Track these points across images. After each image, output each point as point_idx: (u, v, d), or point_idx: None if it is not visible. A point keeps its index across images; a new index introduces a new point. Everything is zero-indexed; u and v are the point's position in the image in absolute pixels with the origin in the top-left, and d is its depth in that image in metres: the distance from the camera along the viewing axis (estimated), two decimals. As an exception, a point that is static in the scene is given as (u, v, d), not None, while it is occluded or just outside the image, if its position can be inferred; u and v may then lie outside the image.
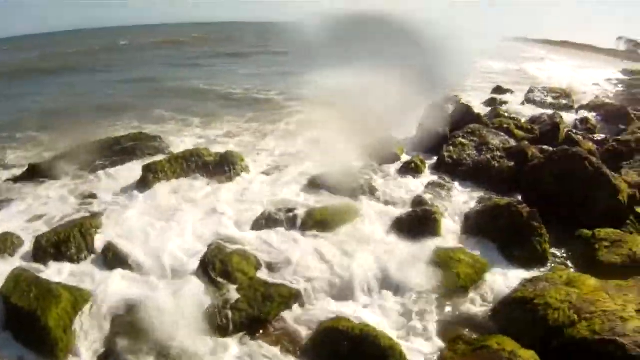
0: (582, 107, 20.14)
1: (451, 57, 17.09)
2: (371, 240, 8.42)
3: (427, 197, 9.82)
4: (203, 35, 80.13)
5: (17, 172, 12.63)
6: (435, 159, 12.21)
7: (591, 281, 6.53)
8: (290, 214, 8.91)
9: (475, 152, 11.68)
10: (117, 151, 12.47)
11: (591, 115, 17.96)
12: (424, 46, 16.62)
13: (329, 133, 12.64)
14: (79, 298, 6.91)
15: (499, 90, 25.29)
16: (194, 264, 7.64)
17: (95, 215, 9.24)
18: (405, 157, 12.45)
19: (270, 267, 7.66)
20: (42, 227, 9.34)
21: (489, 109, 18.75)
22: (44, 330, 6.22)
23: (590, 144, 13.01)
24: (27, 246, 8.55)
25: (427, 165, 11.83)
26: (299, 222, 8.72)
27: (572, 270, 7.73)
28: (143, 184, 10.41)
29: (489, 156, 11.43)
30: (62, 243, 8.17)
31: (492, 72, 34.01)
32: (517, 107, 20.39)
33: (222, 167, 10.93)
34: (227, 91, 26.28)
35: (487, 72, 33.55)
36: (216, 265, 7.40)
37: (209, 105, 22.23)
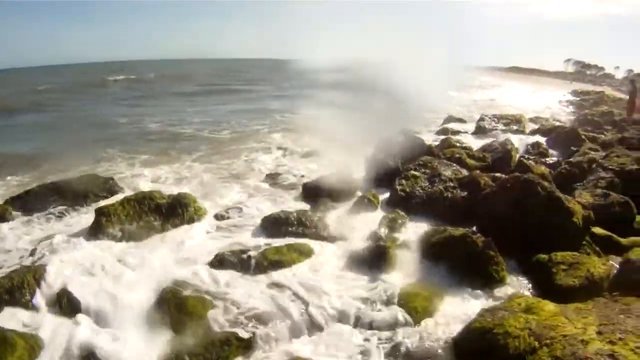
0: (533, 132, 20.57)
1: (408, 94, 17.50)
2: (327, 277, 8.43)
3: (382, 231, 9.84)
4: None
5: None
6: (387, 193, 12.26)
7: (550, 306, 6.54)
8: (244, 255, 8.85)
9: (427, 184, 11.81)
10: (69, 193, 12.29)
11: (542, 139, 18.33)
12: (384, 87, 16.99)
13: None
14: (34, 346, 6.83)
15: (450, 119, 25.75)
16: (148, 308, 7.63)
17: (48, 261, 9.03)
18: (359, 193, 12.48)
19: (226, 310, 7.57)
20: None
21: (441, 138, 19.02)
22: (0, 379, 6.03)
23: (543, 167, 13.28)
24: None
25: (380, 200, 11.88)
26: (252, 263, 8.67)
27: (530, 296, 7.71)
28: (96, 228, 10.21)
29: (441, 187, 11.55)
30: (15, 289, 8.00)
31: (445, 102, 34.50)
32: (469, 137, 20.73)
33: (175, 210, 10.75)
34: (179, 131, 26.17)
35: (441, 101, 34.15)
36: (171, 309, 7.39)
37: (162, 144, 22.10)
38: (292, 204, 12.02)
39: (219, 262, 8.82)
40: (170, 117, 31.22)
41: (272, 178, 14.45)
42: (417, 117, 24.59)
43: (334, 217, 10.73)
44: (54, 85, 62.36)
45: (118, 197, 12.00)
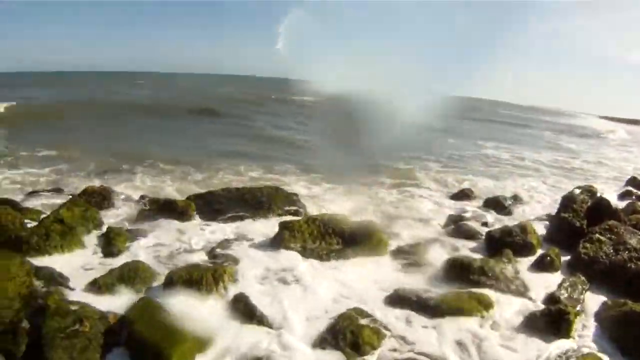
0: None
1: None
2: (503, 334, 8.15)
3: (562, 294, 9.39)
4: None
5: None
6: (568, 254, 11.56)
7: None
8: (424, 296, 8.68)
9: (612, 250, 11.17)
10: (251, 201, 12.74)
11: None
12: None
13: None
14: (203, 341, 7.09)
15: (634, 182, 24.26)
16: (322, 328, 7.68)
17: (228, 263, 9.44)
18: (540, 250, 11.85)
19: (399, 348, 7.51)
20: (172, 263, 9.94)
21: (627, 201, 17.94)
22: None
23: None
24: (157, 279, 8.97)
25: (561, 260, 11.24)
26: (431, 305, 8.46)
27: None
28: (278, 241, 10.44)
29: (625, 256, 10.85)
30: (193, 283, 8.35)
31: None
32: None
33: (358, 237, 10.62)
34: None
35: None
36: (346, 335, 7.37)
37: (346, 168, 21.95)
38: (472, 251, 11.70)
39: (397, 298, 8.71)
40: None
41: (454, 220, 14.18)
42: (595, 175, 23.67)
43: (514, 270, 10.42)
44: (234, 93, 64.48)
45: (299, 213, 12.44)
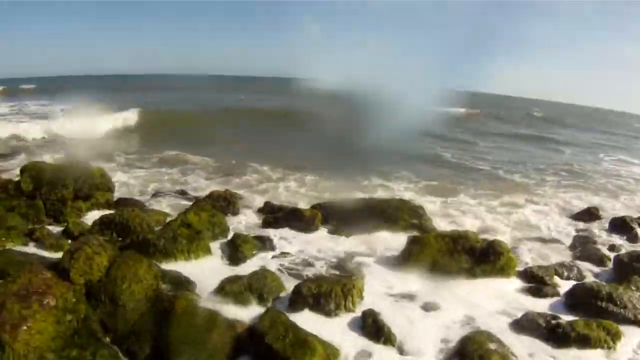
0: None
1: None
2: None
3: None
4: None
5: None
6: None
7: None
8: (552, 322, 8.37)
9: None
10: (378, 214, 12.45)
11: None
12: None
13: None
14: (331, 356, 7.13)
15: None
16: (449, 352, 7.57)
17: (357, 276, 9.35)
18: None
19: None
20: (298, 273, 10.08)
21: None
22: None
23: None
24: (285, 289, 9.07)
25: None
26: (559, 332, 8.10)
27: None
28: (407, 255, 10.31)
29: None
30: (322, 295, 8.37)
31: None
32: None
33: (488, 256, 10.25)
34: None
35: None
36: (474, 358, 7.20)
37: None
38: (598, 276, 11.26)
39: (524, 323, 8.45)
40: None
41: (580, 242, 13.47)
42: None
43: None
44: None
45: (424, 227, 12.24)
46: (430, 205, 16.00)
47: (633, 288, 9.74)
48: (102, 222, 11.52)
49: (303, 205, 14.37)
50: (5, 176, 15.81)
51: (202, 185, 18.20)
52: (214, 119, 35.52)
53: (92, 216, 12.66)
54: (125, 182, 18.17)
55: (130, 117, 34.13)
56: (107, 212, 12.67)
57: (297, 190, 17.78)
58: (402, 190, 18.81)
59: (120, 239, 11.06)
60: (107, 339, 7.28)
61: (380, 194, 17.57)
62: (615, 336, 8.08)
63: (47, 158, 19.19)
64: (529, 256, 12.03)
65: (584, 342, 7.91)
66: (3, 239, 10.25)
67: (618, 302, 9.00)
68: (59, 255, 9.59)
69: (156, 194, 15.84)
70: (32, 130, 28.00)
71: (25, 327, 6.47)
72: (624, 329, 8.42)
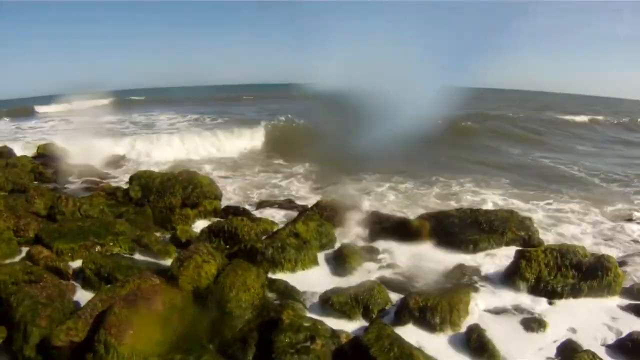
0: None
1: None
2: None
3: None
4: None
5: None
6: None
7: None
8: None
9: None
10: (484, 225, 12.19)
11: None
12: None
13: None
14: None
15: None
16: None
17: (463, 290, 9.13)
18: None
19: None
20: (405, 286, 9.90)
21: None
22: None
23: None
24: (391, 302, 9.07)
25: None
26: None
27: None
28: (514, 270, 10.01)
29: None
30: (428, 309, 8.27)
31: None
32: None
33: (595, 272, 9.75)
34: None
35: None
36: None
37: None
38: None
39: (629, 343, 7.99)
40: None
41: None
42: None
43: None
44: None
45: (531, 239, 11.91)
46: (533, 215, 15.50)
47: None
48: (210, 230, 11.83)
49: (410, 215, 14.19)
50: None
51: (308, 195, 18.45)
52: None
53: (200, 224, 12.95)
54: (232, 190, 18.60)
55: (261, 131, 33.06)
56: (214, 219, 12.91)
57: (399, 200, 17.63)
58: (496, 197, 18.55)
59: (227, 247, 11.31)
60: (211, 346, 7.40)
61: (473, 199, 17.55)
62: None
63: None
64: (637, 273, 11.40)
65: None
66: (111, 244, 10.70)
67: None
68: (166, 261, 9.88)
69: (262, 203, 16.04)
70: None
71: (131, 331, 6.66)
72: None
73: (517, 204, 17.36)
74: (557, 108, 67.00)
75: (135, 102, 72.45)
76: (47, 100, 59.14)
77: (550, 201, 18.33)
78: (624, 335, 8.28)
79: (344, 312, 8.52)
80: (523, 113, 53.77)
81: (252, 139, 30.82)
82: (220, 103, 68.48)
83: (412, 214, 14.38)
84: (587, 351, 7.57)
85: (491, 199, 18.07)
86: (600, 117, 55.70)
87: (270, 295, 8.68)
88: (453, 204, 16.79)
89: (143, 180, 14.31)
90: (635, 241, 14.10)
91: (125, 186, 15.61)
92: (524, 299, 9.46)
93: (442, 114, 26.76)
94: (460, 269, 10.55)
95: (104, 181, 19.13)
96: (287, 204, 15.86)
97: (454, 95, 20.04)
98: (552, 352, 7.84)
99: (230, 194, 17.91)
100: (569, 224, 15.33)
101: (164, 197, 13.38)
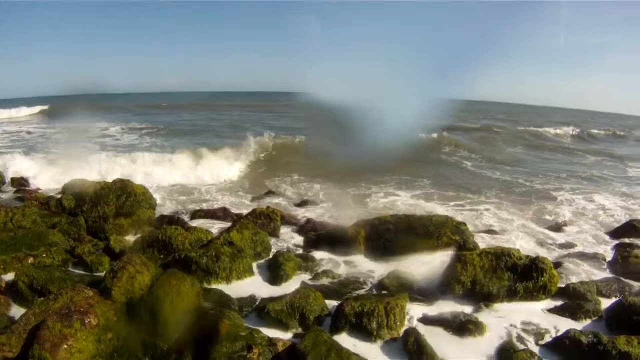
0: None
1: None
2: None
3: None
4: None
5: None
6: None
7: None
8: (594, 339, 8.05)
9: None
10: (420, 231, 12.26)
11: None
12: None
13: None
14: None
15: None
16: None
17: (399, 295, 9.14)
18: None
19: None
20: (341, 292, 9.99)
21: None
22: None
23: None
24: (327, 309, 9.06)
25: None
26: (601, 351, 7.83)
27: None
28: (450, 275, 10.11)
29: None
30: (364, 315, 8.29)
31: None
32: None
33: (530, 273, 9.96)
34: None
35: None
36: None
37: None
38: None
39: (566, 341, 8.16)
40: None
41: (621, 257, 12.88)
42: None
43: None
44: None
45: (466, 244, 11.94)
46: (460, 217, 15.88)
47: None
48: (144, 240, 11.62)
49: (346, 221, 14.25)
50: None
51: (244, 203, 18.35)
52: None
53: (134, 234, 12.78)
54: (164, 198, 18.43)
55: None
56: (148, 229, 12.76)
57: (339, 207, 17.57)
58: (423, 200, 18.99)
59: (161, 256, 11.12)
60: (147, 359, 7.26)
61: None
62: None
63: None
64: (570, 272, 11.75)
65: (625, 359, 7.69)
66: (44, 255, 10.43)
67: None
68: (99, 272, 9.71)
69: (197, 212, 15.89)
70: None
71: (65, 346, 6.54)
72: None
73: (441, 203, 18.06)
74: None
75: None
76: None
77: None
78: (560, 333, 8.49)
79: (280, 320, 8.48)
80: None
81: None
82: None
83: (348, 221, 14.43)
84: (526, 350, 7.78)
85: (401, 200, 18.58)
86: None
87: (206, 304, 8.52)
88: (389, 211, 16.77)
89: (77, 189, 14.05)
90: (569, 242, 14.50)
91: (58, 195, 15.28)
92: (461, 303, 9.60)
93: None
94: (396, 274, 10.57)
95: (38, 190, 18.66)
96: (222, 213, 15.74)
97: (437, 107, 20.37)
98: (491, 354, 7.97)
99: (167, 203, 17.73)
100: (506, 230, 15.67)
101: (97, 207, 13.14)
